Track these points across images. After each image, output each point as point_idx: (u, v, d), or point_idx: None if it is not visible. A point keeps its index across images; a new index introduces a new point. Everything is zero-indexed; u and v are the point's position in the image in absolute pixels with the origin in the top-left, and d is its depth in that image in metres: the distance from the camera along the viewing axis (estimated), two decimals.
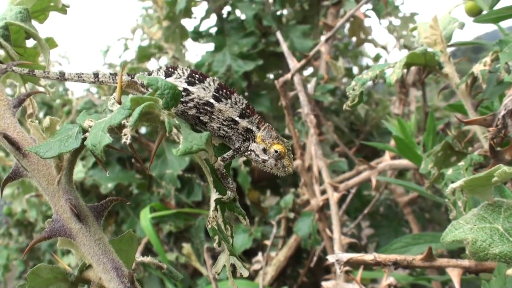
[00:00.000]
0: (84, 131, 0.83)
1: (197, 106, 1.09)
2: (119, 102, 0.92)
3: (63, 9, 1.20)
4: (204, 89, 1.09)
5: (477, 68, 1.35)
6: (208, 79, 1.10)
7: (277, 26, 3.37)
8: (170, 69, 1.10)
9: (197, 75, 1.09)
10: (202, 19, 3.55)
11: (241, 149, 1.12)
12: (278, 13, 3.57)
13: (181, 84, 1.08)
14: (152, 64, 4.33)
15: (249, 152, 1.13)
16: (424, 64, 1.45)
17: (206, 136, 0.85)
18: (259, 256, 3.04)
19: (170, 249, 3.61)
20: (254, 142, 1.13)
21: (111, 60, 4.96)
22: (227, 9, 3.58)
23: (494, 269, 1.30)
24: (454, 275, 1.37)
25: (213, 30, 3.52)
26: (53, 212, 0.92)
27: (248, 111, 1.13)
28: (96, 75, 1.12)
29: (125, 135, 0.75)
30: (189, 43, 4.14)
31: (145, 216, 3.16)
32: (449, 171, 1.45)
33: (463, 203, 1.37)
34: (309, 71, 3.96)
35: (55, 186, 0.92)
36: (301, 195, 3.12)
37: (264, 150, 1.12)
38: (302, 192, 3.07)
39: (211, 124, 1.11)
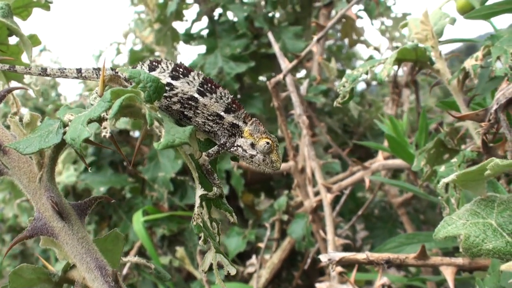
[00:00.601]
0: (65, 125, 0.81)
1: (181, 101, 1.07)
2: (101, 96, 0.90)
3: (46, 5, 1.18)
4: (188, 83, 1.07)
5: (469, 63, 1.33)
6: (192, 73, 1.07)
7: (269, 27, 3.35)
8: (154, 63, 1.08)
9: (181, 69, 1.07)
10: (194, 21, 3.53)
11: (227, 144, 1.10)
12: (270, 14, 3.56)
13: (165, 79, 1.06)
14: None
15: (235, 147, 1.11)
16: (415, 60, 1.44)
17: (190, 130, 0.83)
18: (253, 259, 3.02)
19: (163, 253, 3.59)
20: (241, 137, 1.11)
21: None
22: (218, 11, 3.56)
23: (488, 267, 1.29)
24: (448, 273, 1.35)
25: (205, 32, 3.50)
26: (35, 210, 0.90)
27: (233, 105, 1.10)
28: (79, 70, 1.10)
29: (104, 128, 0.73)
30: (180, 45, 4.12)
31: (138, 220, 3.13)
32: (442, 168, 1.44)
33: (456, 200, 1.35)
34: (301, 73, 3.95)
35: (36, 183, 0.89)
36: (294, 197, 3.11)
37: (252, 145, 1.10)
38: (295, 194, 3.06)
39: (196, 119, 1.09)
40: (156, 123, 0.76)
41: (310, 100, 3.06)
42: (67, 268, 0.95)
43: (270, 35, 2.69)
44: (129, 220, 3.45)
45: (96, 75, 1.10)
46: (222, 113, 1.09)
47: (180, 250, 3.29)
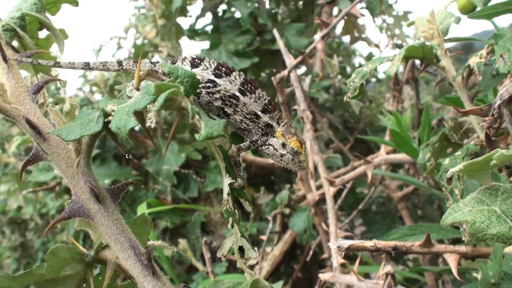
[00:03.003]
0: (106, 115, 0.87)
1: (223, 98, 1.13)
2: (137, 89, 0.96)
3: (74, 1, 1.24)
4: (230, 82, 1.12)
5: (473, 61, 1.40)
6: (234, 73, 1.13)
7: (272, 24, 3.41)
8: (196, 60, 1.14)
9: (223, 68, 1.13)
10: (198, 17, 3.59)
11: (258, 142, 1.17)
12: (273, 11, 3.61)
13: (208, 76, 1.12)
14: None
15: (266, 146, 1.17)
16: (422, 57, 1.50)
17: (223, 123, 0.90)
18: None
19: (174, 247, 3.63)
20: (274, 136, 1.17)
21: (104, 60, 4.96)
22: (222, 7, 3.62)
23: (490, 254, 1.35)
24: (451, 260, 1.42)
25: (209, 28, 3.56)
26: (72, 193, 0.95)
27: (270, 106, 1.16)
28: (120, 63, 1.15)
29: (149, 118, 0.79)
30: (184, 41, 4.16)
31: (142, 212, 3.18)
32: (446, 161, 1.50)
33: (460, 191, 1.41)
34: (302, 70, 4.01)
35: (74, 168, 0.95)
36: (296, 191, 3.17)
37: (283, 145, 1.16)
38: (297, 188, 3.12)
39: (234, 116, 1.15)
40: (196, 116, 0.82)
41: (313, 96, 3.12)
42: (99, 249, 1.01)
43: (275, 32, 2.74)
44: (132, 213, 3.50)
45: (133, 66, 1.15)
46: (259, 113, 1.15)
47: (182, 242, 3.34)
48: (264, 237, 3.04)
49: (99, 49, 4.90)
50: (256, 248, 3.07)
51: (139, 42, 4.51)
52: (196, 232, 3.46)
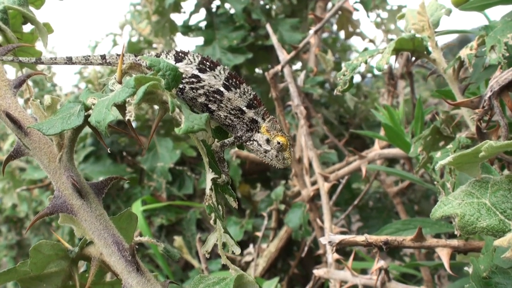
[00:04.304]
0: (87, 108, 0.85)
1: (207, 93, 1.11)
2: (120, 82, 0.95)
3: None
4: (214, 77, 1.10)
5: (464, 52, 1.39)
6: (218, 67, 1.11)
7: (266, 19, 3.39)
8: (180, 53, 1.12)
9: (208, 62, 1.11)
10: (191, 13, 3.57)
11: (243, 138, 1.15)
12: (267, 7, 3.60)
13: (192, 70, 1.10)
14: None
15: (251, 141, 1.16)
16: (413, 50, 1.49)
17: (205, 117, 0.88)
18: (251, 248, 3.06)
19: (161, 242, 3.62)
20: (258, 132, 1.15)
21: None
22: (216, 3, 3.61)
23: (482, 248, 1.34)
24: (443, 254, 1.41)
25: (203, 24, 3.55)
26: (55, 189, 0.94)
27: (255, 102, 1.15)
28: (103, 56, 1.13)
29: (129, 112, 0.78)
30: (179, 37, 4.15)
31: (137, 209, 3.17)
32: (438, 154, 1.49)
33: (452, 185, 1.40)
34: (297, 66, 4.00)
35: (56, 163, 0.94)
36: (291, 187, 3.15)
37: (268, 141, 1.15)
38: (292, 184, 3.10)
39: (218, 113, 1.13)
40: (176, 110, 0.81)
41: (307, 91, 3.10)
42: (83, 245, 1.00)
43: (268, 27, 2.72)
44: None
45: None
46: (244, 108, 1.13)
47: (178, 240, 3.32)
48: (259, 234, 3.03)
49: (95, 46, 4.89)
50: (251, 245, 3.07)
51: (134, 39, 4.50)
52: (192, 229, 3.45)
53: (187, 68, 1.09)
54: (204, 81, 1.10)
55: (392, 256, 3.41)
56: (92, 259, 0.97)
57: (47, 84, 4.73)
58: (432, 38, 1.48)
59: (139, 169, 3.70)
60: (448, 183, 1.42)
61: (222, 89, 1.11)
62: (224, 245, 0.99)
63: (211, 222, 0.98)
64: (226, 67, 1.13)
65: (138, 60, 1.07)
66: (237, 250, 1.02)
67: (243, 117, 1.14)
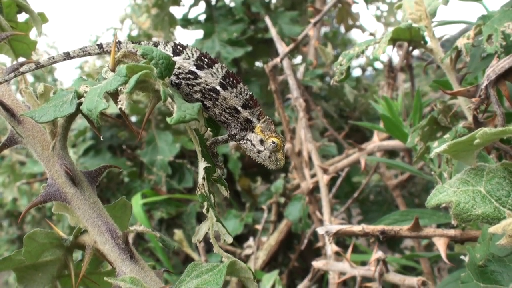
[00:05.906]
0: (79, 96, 0.85)
1: (203, 91, 1.10)
2: (113, 70, 0.94)
3: None
4: (212, 75, 1.10)
5: (461, 42, 1.38)
6: (216, 65, 1.11)
7: (265, 12, 3.38)
8: (178, 47, 1.11)
9: (205, 59, 1.11)
10: (191, 6, 3.57)
11: (237, 136, 1.15)
12: (267, 0, 3.59)
13: (190, 66, 1.09)
14: None
15: (245, 140, 1.16)
16: (409, 39, 1.48)
17: (198, 107, 0.88)
18: (251, 241, 3.07)
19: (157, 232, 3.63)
20: (253, 132, 1.15)
21: None
22: None
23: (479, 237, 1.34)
24: (440, 244, 1.41)
25: (202, 17, 3.54)
26: (48, 177, 0.94)
27: (251, 102, 1.15)
28: (100, 46, 1.13)
29: (120, 101, 0.78)
30: (178, 31, 4.15)
31: (137, 203, 3.17)
32: (435, 144, 1.49)
33: (449, 174, 1.40)
34: (298, 59, 3.99)
35: (49, 151, 0.94)
36: (291, 180, 3.15)
37: (261, 141, 1.15)
38: (292, 177, 3.10)
39: (213, 109, 1.13)
40: (168, 99, 0.81)
41: (307, 84, 3.10)
42: (78, 234, 1.00)
43: (267, 20, 2.72)
44: None
45: (117, 48, 1.12)
46: (240, 108, 1.13)
47: (178, 233, 3.33)
48: (259, 227, 3.03)
49: (95, 40, 4.89)
50: (251, 238, 3.07)
51: (135, 33, 4.50)
52: (192, 223, 3.46)
53: (184, 63, 1.09)
54: (201, 78, 1.09)
55: (392, 249, 3.40)
56: (86, 247, 0.97)
57: (48, 78, 4.74)
58: (429, 28, 1.48)
59: (139, 163, 3.70)
60: (445, 173, 1.42)
61: (218, 87, 1.10)
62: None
63: (204, 211, 0.98)
64: (224, 65, 1.12)
65: (130, 48, 1.06)
66: (229, 239, 1.02)
67: (237, 116, 1.14)
